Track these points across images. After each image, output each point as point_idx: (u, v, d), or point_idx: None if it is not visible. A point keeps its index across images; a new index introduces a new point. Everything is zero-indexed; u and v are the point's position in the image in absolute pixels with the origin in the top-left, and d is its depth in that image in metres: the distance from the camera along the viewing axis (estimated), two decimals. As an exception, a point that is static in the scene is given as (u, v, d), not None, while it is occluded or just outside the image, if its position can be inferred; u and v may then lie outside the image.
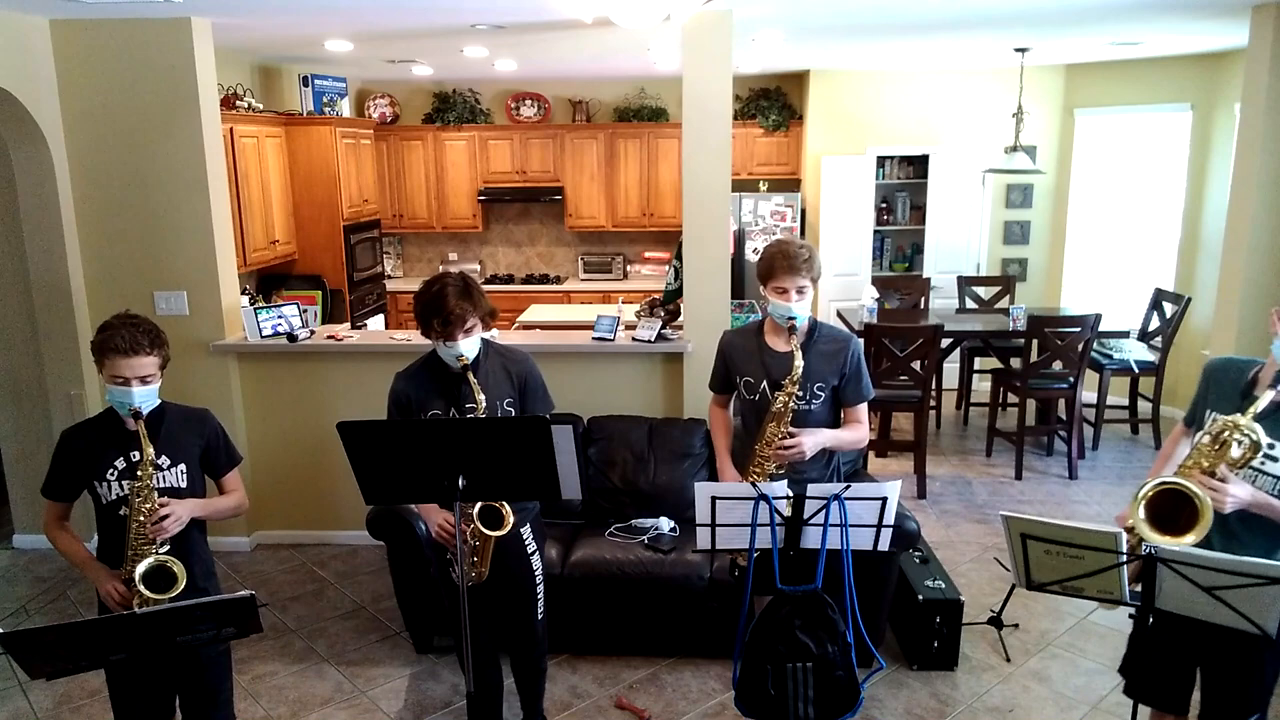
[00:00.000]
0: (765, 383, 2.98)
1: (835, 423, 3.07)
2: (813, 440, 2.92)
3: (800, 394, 2.93)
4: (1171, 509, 2.34)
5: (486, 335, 3.06)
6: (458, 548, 2.68)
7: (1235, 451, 2.32)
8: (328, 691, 3.80)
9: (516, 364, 3.07)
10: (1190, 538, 2.27)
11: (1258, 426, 2.31)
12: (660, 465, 4.34)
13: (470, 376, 2.85)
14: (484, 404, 2.83)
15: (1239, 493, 2.31)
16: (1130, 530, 2.36)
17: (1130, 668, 2.73)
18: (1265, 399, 2.31)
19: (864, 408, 3.08)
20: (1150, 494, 2.35)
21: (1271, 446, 2.36)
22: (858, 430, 3.07)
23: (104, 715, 3.60)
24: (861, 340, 3.10)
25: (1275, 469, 2.38)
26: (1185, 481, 2.32)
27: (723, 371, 3.17)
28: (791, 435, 2.90)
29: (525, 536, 3.12)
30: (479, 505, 2.78)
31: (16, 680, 3.80)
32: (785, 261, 2.88)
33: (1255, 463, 2.36)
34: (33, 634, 2.23)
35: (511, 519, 2.82)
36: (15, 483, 5.15)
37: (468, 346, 2.87)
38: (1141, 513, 2.33)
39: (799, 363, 2.87)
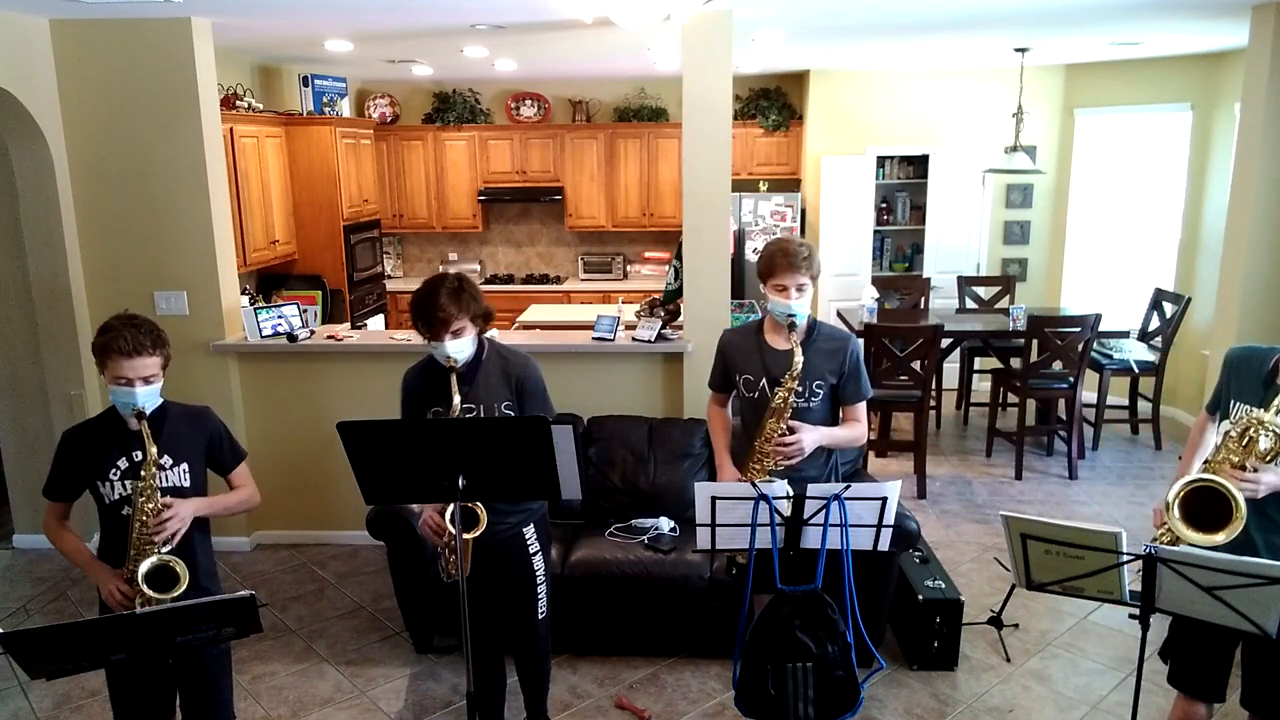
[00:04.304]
0: (765, 380, 3.00)
1: (834, 422, 3.09)
2: (811, 436, 2.93)
3: (800, 391, 2.95)
4: (1203, 506, 2.37)
5: (492, 334, 3.05)
6: (455, 544, 2.67)
7: (1264, 444, 2.39)
8: (328, 691, 3.80)
9: (516, 367, 3.04)
10: (1222, 535, 2.32)
11: None
12: (660, 465, 4.34)
13: (452, 379, 2.84)
14: (458, 407, 2.82)
15: (1271, 479, 2.36)
16: (1163, 528, 2.41)
17: (1172, 649, 2.68)
18: None
19: (862, 407, 3.10)
20: (1182, 493, 2.40)
21: None
22: (856, 429, 3.09)
23: (104, 715, 3.60)
24: (861, 340, 3.11)
25: None
26: (1215, 477, 2.37)
27: (722, 369, 3.18)
28: (791, 431, 2.92)
29: (529, 537, 3.11)
30: (452, 508, 2.72)
31: (16, 680, 3.79)
32: (785, 259, 2.90)
33: None
34: (33, 634, 2.22)
35: (485, 522, 2.78)
36: (15, 483, 5.15)
37: (455, 348, 2.87)
38: (1176, 512, 2.38)
39: (799, 359, 2.89)
